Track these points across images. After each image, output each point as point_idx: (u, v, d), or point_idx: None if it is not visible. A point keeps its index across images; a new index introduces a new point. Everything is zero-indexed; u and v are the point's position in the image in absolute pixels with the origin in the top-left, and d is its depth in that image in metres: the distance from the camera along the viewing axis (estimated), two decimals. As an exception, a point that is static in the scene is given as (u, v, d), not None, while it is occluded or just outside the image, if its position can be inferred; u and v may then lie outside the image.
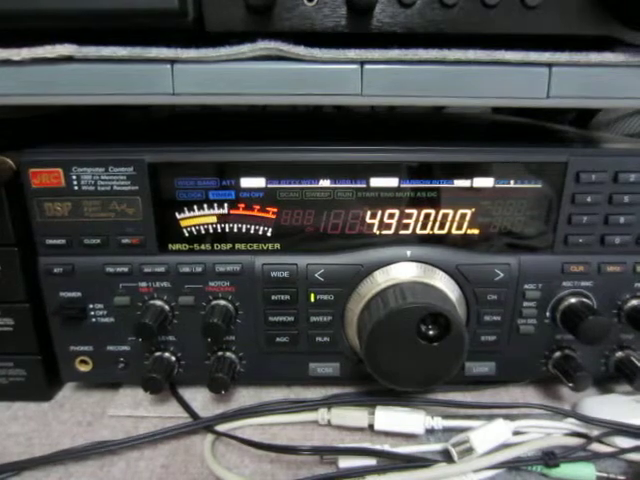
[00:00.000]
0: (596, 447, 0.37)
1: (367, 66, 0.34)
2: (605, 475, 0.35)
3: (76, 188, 0.38)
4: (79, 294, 0.40)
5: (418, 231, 0.39)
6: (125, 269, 0.39)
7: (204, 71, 0.34)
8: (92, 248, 0.39)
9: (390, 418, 0.39)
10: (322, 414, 0.40)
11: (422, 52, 0.34)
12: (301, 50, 0.34)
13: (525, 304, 0.40)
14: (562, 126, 0.61)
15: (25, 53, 0.34)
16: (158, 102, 0.35)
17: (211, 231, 0.39)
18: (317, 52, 0.34)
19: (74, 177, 0.37)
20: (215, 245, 0.40)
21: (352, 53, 0.34)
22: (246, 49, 0.34)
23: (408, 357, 0.36)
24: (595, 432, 0.37)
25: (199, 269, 0.39)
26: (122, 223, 0.38)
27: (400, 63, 0.35)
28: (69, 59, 0.34)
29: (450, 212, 0.39)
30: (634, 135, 0.62)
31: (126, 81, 0.34)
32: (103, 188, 0.38)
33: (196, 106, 0.77)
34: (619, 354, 0.42)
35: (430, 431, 0.39)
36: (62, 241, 0.39)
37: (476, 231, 0.39)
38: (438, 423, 0.39)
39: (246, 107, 0.79)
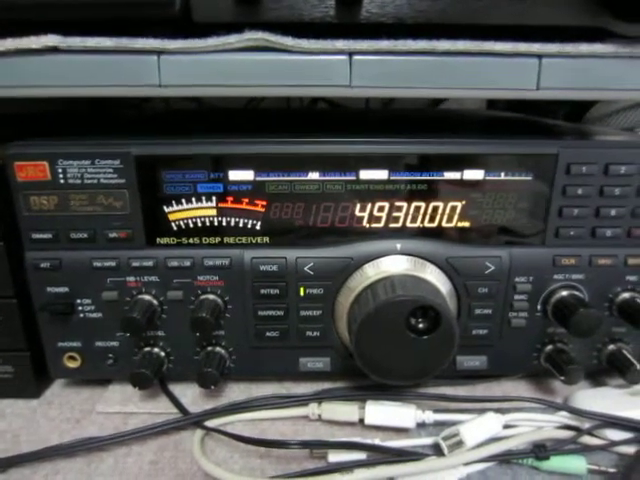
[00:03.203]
0: (587, 440, 0.37)
1: (356, 57, 0.34)
2: (596, 467, 0.35)
3: (62, 181, 0.37)
4: (66, 289, 0.40)
5: (408, 224, 0.39)
6: (113, 263, 0.39)
7: (191, 62, 0.34)
8: (79, 242, 0.39)
9: (381, 412, 0.38)
10: (312, 409, 0.40)
11: (411, 43, 0.34)
12: (289, 41, 0.34)
13: (516, 297, 0.40)
14: (555, 120, 0.61)
15: (9, 44, 0.33)
16: (144, 94, 0.35)
17: (200, 225, 0.39)
18: (305, 43, 0.34)
19: (60, 170, 0.37)
20: (204, 239, 0.39)
21: (340, 44, 0.34)
22: (233, 40, 0.34)
23: (398, 351, 0.35)
24: (587, 425, 0.37)
25: (188, 263, 0.39)
26: (109, 217, 0.38)
27: (389, 54, 0.34)
28: (54, 50, 0.34)
29: (440, 205, 0.38)
30: (628, 129, 0.62)
31: (112, 72, 0.34)
32: (90, 181, 0.37)
33: (187, 99, 0.76)
34: (611, 347, 0.42)
35: (421, 425, 0.39)
36: (49, 235, 0.38)
37: (467, 224, 0.39)
38: (429, 417, 0.39)
39: (241, 104, 0.79)
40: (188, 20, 0.34)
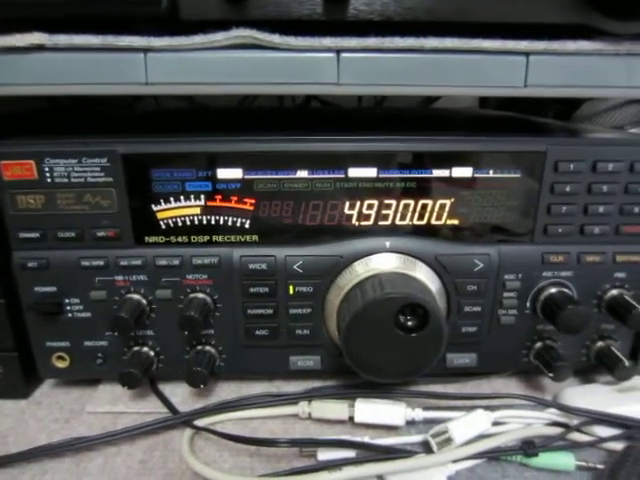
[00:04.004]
0: (576, 436, 0.37)
1: (343, 54, 0.34)
2: (584, 464, 0.35)
3: (49, 180, 0.37)
4: (54, 289, 0.40)
5: (397, 222, 0.39)
6: (101, 263, 0.39)
7: (178, 60, 0.34)
8: (67, 241, 0.38)
9: (370, 410, 0.38)
10: (302, 407, 0.40)
11: (399, 40, 0.34)
12: (276, 38, 0.34)
13: (505, 294, 0.40)
14: (544, 119, 0.61)
15: (-6, 42, 0.33)
16: (131, 92, 0.34)
17: (188, 223, 0.38)
18: (292, 40, 0.34)
19: (47, 169, 0.37)
20: (192, 237, 0.39)
21: (328, 41, 0.34)
22: (220, 37, 0.33)
23: (387, 348, 0.35)
24: (575, 422, 0.37)
25: (176, 262, 0.39)
26: (97, 215, 0.38)
27: (377, 51, 0.34)
28: (40, 48, 0.33)
29: (429, 202, 0.38)
30: (618, 127, 0.62)
31: (98, 70, 0.34)
32: (77, 180, 0.37)
33: (178, 98, 0.76)
34: (600, 344, 0.42)
35: (411, 423, 0.39)
36: (36, 235, 0.38)
37: (456, 221, 0.39)
38: (419, 415, 0.39)
39: (233, 102, 0.78)
40: (175, 18, 0.33)
